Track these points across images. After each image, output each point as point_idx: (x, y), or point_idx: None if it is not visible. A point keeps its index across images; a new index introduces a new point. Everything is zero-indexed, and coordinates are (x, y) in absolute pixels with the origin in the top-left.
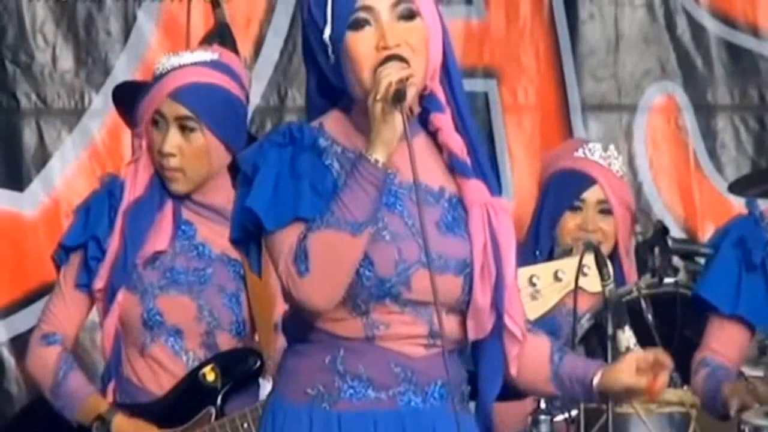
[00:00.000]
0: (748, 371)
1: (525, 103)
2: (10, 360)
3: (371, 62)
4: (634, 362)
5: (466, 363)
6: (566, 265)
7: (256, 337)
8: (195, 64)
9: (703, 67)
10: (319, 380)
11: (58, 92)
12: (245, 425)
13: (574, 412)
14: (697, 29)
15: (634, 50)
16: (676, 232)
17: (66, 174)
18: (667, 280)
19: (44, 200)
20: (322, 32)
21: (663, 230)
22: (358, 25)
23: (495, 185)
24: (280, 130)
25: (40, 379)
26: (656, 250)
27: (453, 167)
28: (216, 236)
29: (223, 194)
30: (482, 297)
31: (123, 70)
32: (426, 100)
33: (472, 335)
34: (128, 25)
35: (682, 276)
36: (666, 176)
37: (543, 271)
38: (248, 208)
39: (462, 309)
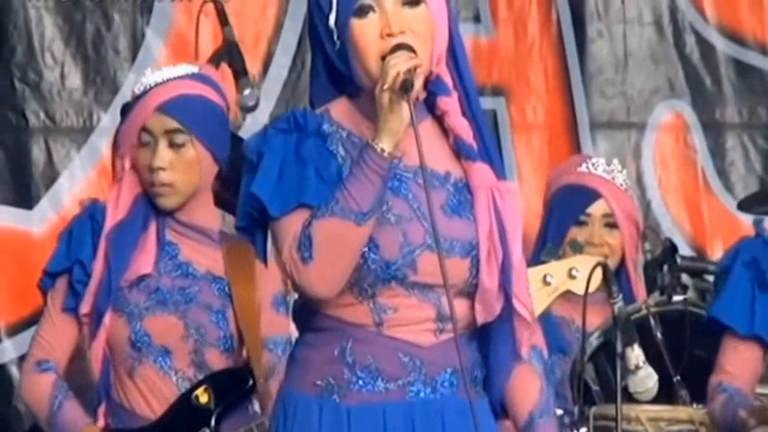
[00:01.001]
0: (759, 389)
1: (534, 121)
2: (18, 378)
3: (376, 49)
4: None
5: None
6: (554, 269)
7: (244, 352)
8: (178, 77)
9: (711, 85)
10: (328, 372)
11: (66, 110)
12: None
13: (583, 431)
14: (706, 47)
15: (643, 68)
16: (684, 249)
17: (74, 192)
18: (676, 298)
19: (53, 218)
20: (327, 18)
21: (672, 248)
22: (363, 11)
23: (501, 169)
24: (284, 116)
25: (35, 408)
26: (665, 267)
27: (459, 151)
28: (200, 256)
29: (205, 212)
30: (489, 279)
31: (131, 89)
32: (432, 84)
33: (480, 318)
34: (137, 43)
35: (691, 294)
36: (674, 194)
37: (531, 275)
38: (253, 194)
39: (470, 292)
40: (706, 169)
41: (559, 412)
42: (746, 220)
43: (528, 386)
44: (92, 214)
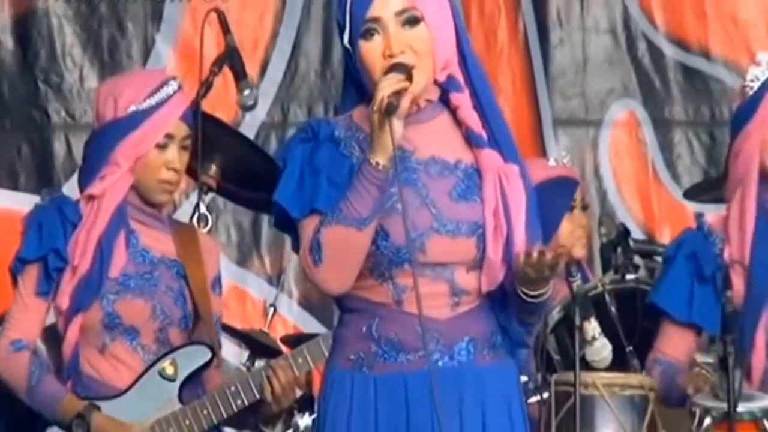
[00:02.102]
0: (700, 358)
1: None
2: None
3: (380, 68)
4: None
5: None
6: None
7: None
8: (180, 88)
9: (660, 86)
10: (359, 348)
11: (84, 109)
12: (205, 411)
13: (545, 395)
14: (656, 53)
15: (599, 71)
16: (636, 233)
17: None
18: (629, 276)
19: None
20: (341, 37)
21: (625, 232)
22: (368, 34)
23: (509, 153)
24: (304, 126)
25: (14, 384)
26: (619, 249)
27: (470, 139)
28: (154, 241)
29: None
30: (494, 253)
31: None
32: (446, 83)
33: (484, 287)
34: (147, 48)
35: (642, 273)
36: (627, 184)
37: None
38: (275, 201)
39: (482, 266)
40: (655, 161)
41: (524, 378)
42: (691, 207)
43: None
44: (60, 206)
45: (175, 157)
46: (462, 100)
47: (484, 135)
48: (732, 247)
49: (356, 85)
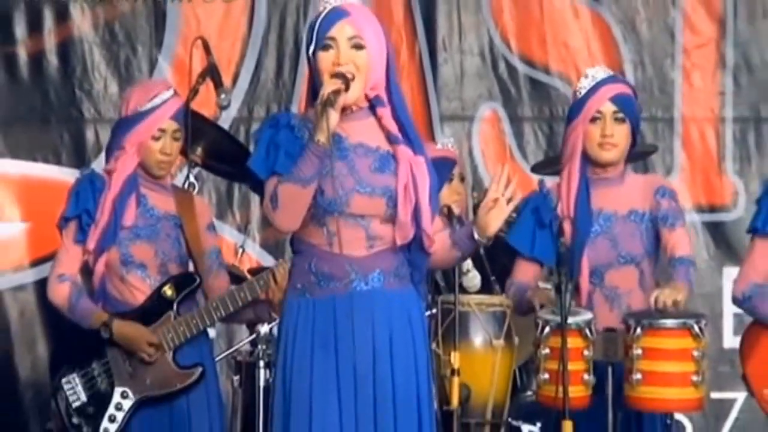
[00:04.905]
0: (542, 284)
1: None
2: None
3: (329, 72)
4: (484, 206)
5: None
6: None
7: (191, 264)
8: (174, 95)
9: (515, 93)
10: (304, 279)
11: (108, 108)
12: (194, 322)
13: (434, 311)
14: (512, 69)
15: (472, 82)
16: None
17: None
18: None
19: None
20: (308, 50)
21: None
22: (326, 48)
23: (418, 149)
24: (271, 117)
25: (60, 304)
26: None
27: (389, 139)
28: (160, 202)
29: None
30: (404, 214)
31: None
32: (374, 99)
33: (399, 241)
34: (152, 65)
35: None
36: (492, 161)
37: None
38: (248, 166)
39: (391, 220)
40: (511, 145)
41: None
42: (535, 177)
43: (442, 236)
44: (91, 179)
45: (167, 145)
46: (384, 112)
47: (400, 136)
48: (563, 204)
49: (314, 93)
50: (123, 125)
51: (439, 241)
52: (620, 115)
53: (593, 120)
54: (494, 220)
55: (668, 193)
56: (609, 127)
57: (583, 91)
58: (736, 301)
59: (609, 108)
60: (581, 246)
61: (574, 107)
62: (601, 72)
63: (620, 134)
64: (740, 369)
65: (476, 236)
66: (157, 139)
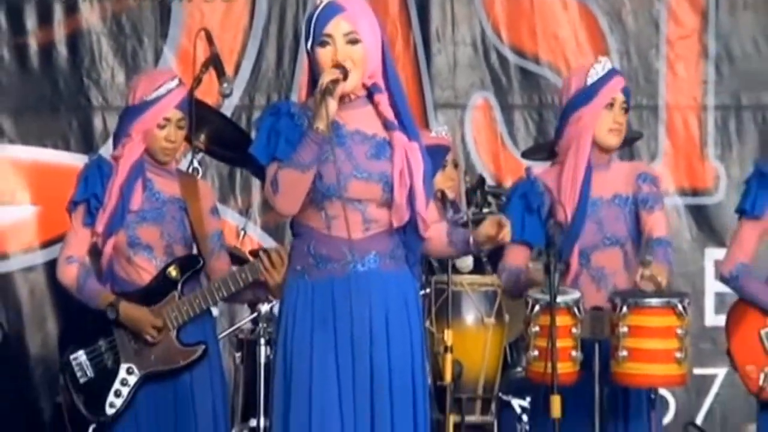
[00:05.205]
0: (532, 265)
1: None
2: None
3: (328, 67)
4: (489, 222)
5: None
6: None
7: (195, 247)
8: (179, 85)
9: (505, 82)
10: (303, 261)
11: (115, 96)
12: (197, 301)
13: (428, 290)
14: (503, 59)
15: (465, 72)
16: (489, 181)
17: None
18: (485, 210)
19: None
20: (306, 44)
21: (482, 180)
22: (323, 44)
23: (413, 135)
24: (272, 105)
25: (68, 285)
26: (478, 192)
27: (385, 126)
28: (165, 186)
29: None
30: (400, 197)
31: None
32: (372, 87)
33: (395, 223)
34: (158, 55)
35: (493, 208)
36: (483, 147)
37: None
38: (251, 152)
39: (387, 204)
40: (502, 133)
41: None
42: (525, 163)
43: (439, 226)
44: (99, 164)
45: (171, 133)
46: (382, 99)
47: (396, 123)
48: (563, 189)
49: (314, 83)
50: (130, 114)
51: (436, 232)
52: (626, 105)
53: (607, 106)
54: (491, 242)
55: (650, 179)
56: (619, 115)
57: (596, 78)
58: (723, 279)
59: (620, 97)
60: (579, 229)
61: (583, 94)
62: (608, 63)
63: (624, 123)
64: (722, 346)
65: (471, 245)
66: (162, 127)
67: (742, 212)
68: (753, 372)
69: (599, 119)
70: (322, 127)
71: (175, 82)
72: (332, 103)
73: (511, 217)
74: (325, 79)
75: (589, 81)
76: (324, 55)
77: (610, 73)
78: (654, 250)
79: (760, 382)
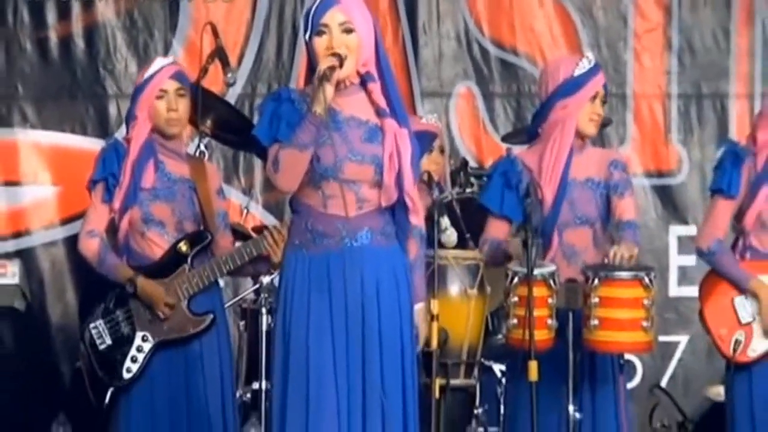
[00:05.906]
0: (511, 240)
1: None
2: None
3: (324, 55)
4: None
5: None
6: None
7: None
8: (172, 63)
9: (487, 72)
10: (301, 237)
11: (128, 85)
12: (206, 274)
13: None
14: (484, 51)
15: (450, 63)
16: (472, 163)
17: None
18: (468, 190)
19: None
20: (305, 34)
21: (465, 163)
22: (320, 32)
23: (403, 121)
24: (274, 91)
25: (89, 258)
26: (462, 173)
27: (377, 112)
28: (176, 168)
29: (180, 142)
30: (389, 179)
31: None
32: (365, 75)
33: (384, 203)
34: (167, 48)
35: (476, 188)
36: (467, 133)
37: None
38: (254, 134)
39: (378, 185)
40: (484, 119)
41: None
42: (505, 147)
43: (411, 249)
44: (115, 146)
45: (172, 101)
46: (374, 87)
47: (388, 110)
48: (544, 170)
49: (311, 71)
50: (132, 98)
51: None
52: (605, 99)
53: (590, 98)
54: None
55: (621, 166)
56: (599, 107)
57: (583, 71)
58: (700, 253)
59: (602, 91)
60: (559, 208)
61: (569, 85)
62: (593, 59)
63: (602, 114)
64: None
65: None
66: (160, 98)
67: (718, 191)
68: (726, 336)
69: (584, 110)
70: (319, 110)
71: (169, 60)
72: (329, 88)
73: (491, 193)
74: (322, 66)
75: (577, 73)
76: (321, 43)
77: (595, 69)
78: (624, 232)
79: (731, 346)
